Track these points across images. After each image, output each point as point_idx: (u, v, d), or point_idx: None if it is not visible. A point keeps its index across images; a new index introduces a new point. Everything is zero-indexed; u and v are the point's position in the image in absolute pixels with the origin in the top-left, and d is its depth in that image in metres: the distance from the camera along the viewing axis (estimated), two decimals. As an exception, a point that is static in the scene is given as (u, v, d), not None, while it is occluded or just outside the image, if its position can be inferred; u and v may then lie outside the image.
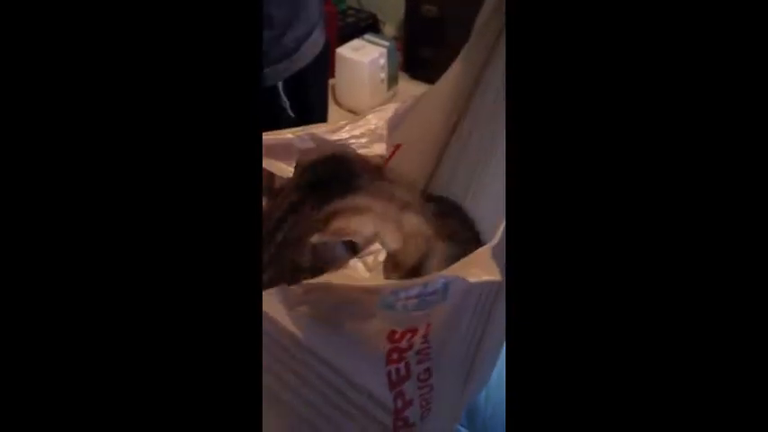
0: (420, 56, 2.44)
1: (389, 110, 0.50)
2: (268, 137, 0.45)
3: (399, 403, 0.45)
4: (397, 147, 0.51)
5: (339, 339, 0.38)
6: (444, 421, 0.54)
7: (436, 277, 0.35)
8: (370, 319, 0.36)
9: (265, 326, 0.34)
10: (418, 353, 0.43)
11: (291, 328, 0.35)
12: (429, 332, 0.41)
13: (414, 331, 0.39)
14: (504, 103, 0.39)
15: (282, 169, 0.47)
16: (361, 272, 0.43)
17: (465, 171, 0.59)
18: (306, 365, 0.38)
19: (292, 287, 0.34)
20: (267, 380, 0.40)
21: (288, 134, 0.46)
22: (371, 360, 0.40)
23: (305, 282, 0.34)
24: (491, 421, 0.64)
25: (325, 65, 0.88)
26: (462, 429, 0.66)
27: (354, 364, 0.40)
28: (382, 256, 0.47)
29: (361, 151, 0.48)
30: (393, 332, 0.38)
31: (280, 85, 0.78)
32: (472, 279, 0.35)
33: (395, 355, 0.41)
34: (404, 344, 0.40)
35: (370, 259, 0.45)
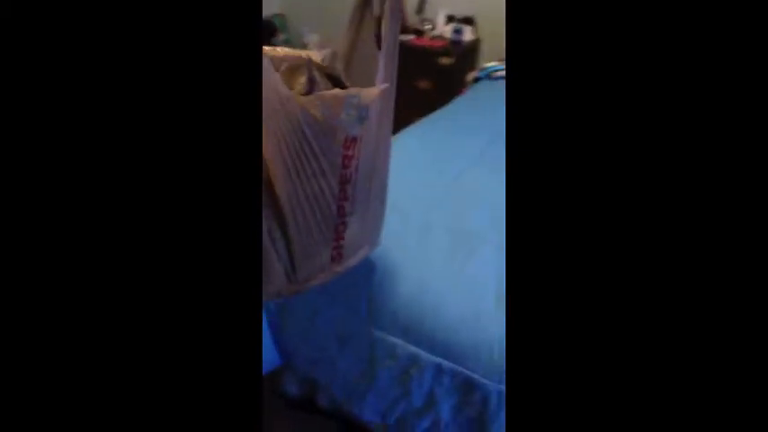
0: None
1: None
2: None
3: (342, 196, 0.86)
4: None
5: (325, 137, 0.79)
6: (362, 233, 0.94)
7: (360, 93, 0.78)
8: (336, 122, 0.78)
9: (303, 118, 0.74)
10: (356, 167, 0.85)
11: (304, 120, 0.76)
12: (360, 145, 0.82)
13: (355, 141, 0.81)
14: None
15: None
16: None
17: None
18: (309, 154, 0.78)
19: (309, 95, 0.76)
20: (284, 155, 0.80)
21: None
22: (335, 158, 0.81)
23: (317, 93, 0.76)
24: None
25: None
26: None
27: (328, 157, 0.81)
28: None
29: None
30: (346, 138, 0.81)
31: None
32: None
33: (346, 162, 0.83)
34: (351, 152, 0.82)
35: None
